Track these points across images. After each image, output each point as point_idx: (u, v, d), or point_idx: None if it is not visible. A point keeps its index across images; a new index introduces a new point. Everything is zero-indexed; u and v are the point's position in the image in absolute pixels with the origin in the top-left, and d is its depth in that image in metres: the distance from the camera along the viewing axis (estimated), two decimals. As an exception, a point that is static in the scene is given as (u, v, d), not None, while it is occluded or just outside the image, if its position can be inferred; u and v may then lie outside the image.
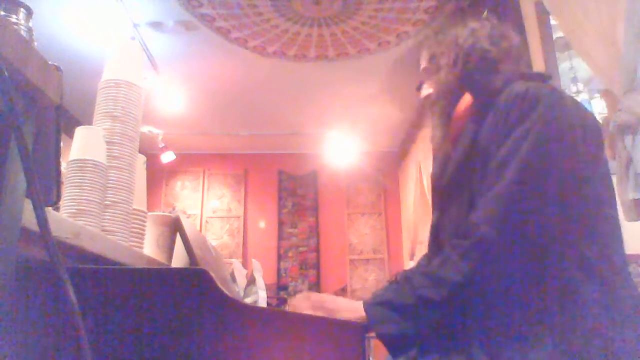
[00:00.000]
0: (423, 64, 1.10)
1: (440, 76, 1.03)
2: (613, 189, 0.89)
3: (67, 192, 0.88)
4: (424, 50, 1.10)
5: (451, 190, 0.96)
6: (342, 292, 5.02)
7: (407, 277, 0.87)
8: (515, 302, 0.79)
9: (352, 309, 0.87)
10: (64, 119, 0.66)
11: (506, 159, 0.82)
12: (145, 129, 4.59)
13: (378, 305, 0.85)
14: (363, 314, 0.85)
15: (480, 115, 0.92)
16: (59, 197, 0.73)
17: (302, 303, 0.92)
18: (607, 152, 3.18)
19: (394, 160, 5.65)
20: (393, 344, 0.82)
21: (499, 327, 0.79)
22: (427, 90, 1.08)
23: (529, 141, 0.81)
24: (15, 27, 0.66)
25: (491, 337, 0.79)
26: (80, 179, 0.89)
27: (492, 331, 0.80)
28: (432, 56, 1.06)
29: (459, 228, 0.87)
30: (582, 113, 0.89)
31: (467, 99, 0.99)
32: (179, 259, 1.24)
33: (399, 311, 0.82)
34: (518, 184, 0.80)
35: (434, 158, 1.10)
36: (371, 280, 5.23)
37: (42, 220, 0.48)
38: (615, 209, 0.88)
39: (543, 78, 0.96)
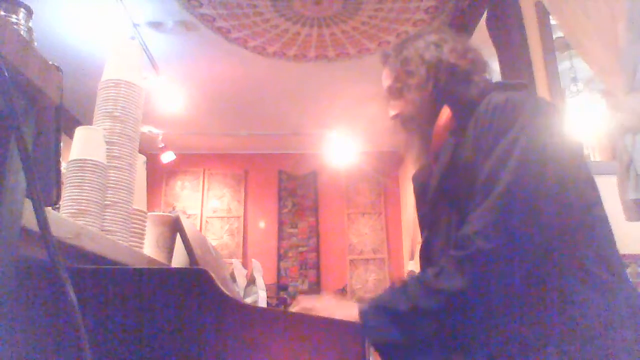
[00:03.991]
0: (387, 82, 1.08)
1: (411, 96, 1.02)
2: (598, 189, 0.89)
3: (67, 192, 0.88)
4: (387, 69, 1.09)
5: (437, 204, 0.96)
6: (342, 292, 5.02)
7: (404, 283, 0.86)
8: (515, 310, 0.79)
9: (349, 316, 0.83)
10: (64, 119, 0.66)
11: (495, 171, 0.81)
12: (145, 129, 4.59)
13: (373, 308, 0.84)
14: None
15: (460, 128, 0.92)
16: (59, 197, 0.73)
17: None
18: (607, 153, 3.18)
19: (394, 160, 5.64)
20: (382, 352, 0.81)
21: (500, 336, 0.79)
22: (393, 109, 1.07)
23: (516, 152, 0.81)
24: (15, 27, 0.66)
25: (492, 346, 0.79)
26: (80, 179, 0.88)
27: (493, 341, 0.79)
28: (397, 75, 1.05)
29: (449, 242, 0.86)
30: (558, 117, 0.90)
31: (446, 113, 0.99)
32: (179, 259, 1.24)
33: (392, 318, 0.81)
34: (509, 195, 0.79)
35: (415, 177, 1.10)
36: (371, 280, 5.23)
37: (42, 220, 0.48)
38: (604, 210, 0.88)
39: (520, 86, 0.97)
